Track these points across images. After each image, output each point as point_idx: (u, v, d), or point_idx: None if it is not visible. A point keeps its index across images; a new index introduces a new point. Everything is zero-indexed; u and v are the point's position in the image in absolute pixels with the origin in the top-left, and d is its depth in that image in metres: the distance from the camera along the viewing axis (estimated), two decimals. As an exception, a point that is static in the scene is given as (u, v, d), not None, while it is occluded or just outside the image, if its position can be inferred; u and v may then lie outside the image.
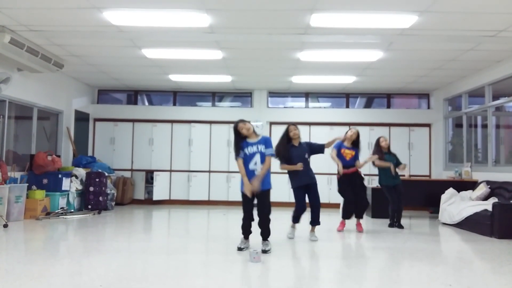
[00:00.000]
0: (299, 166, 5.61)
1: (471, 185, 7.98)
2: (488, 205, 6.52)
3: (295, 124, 5.87)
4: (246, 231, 4.97)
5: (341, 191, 6.60)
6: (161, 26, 5.93)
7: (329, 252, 5.11)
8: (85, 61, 7.92)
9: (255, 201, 4.91)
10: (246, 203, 4.90)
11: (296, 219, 5.87)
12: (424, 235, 6.60)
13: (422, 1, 4.99)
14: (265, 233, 4.89)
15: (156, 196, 10.00)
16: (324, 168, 9.81)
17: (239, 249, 4.85)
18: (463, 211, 6.91)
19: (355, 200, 6.42)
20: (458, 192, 7.75)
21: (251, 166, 4.81)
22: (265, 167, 4.81)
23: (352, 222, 6.73)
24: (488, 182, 7.43)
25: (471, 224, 6.67)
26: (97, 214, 8.10)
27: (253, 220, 4.95)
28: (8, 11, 5.45)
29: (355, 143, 6.53)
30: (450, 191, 7.73)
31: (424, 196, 8.49)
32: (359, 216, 6.60)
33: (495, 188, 7.18)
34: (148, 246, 5.35)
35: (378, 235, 6.26)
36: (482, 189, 7.31)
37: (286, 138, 5.73)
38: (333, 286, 3.62)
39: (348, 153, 6.47)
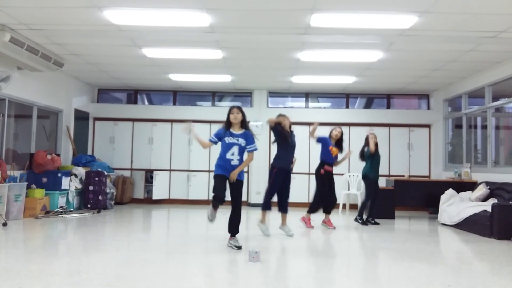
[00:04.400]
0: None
1: (471, 186, 7.98)
2: (487, 206, 6.52)
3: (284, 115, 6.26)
4: (217, 207, 5.02)
5: (320, 186, 6.78)
6: (161, 25, 5.92)
7: (327, 251, 5.11)
8: (85, 60, 7.92)
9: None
10: (219, 186, 4.88)
11: (269, 205, 6.02)
12: (424, 235, 6.61)
13: (423, 1, 4.98)
14: (234, 228, 4.99)
15: (155, 196, 10.00)
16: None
17: (210, 220, 5.09)
18: (462, 212, 6.91)
19: (329, 197, 6.74)
20: (458, 192, 7.76)
21: (228, 155, 4.91)
22: (248, 161, 5.00)
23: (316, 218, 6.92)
24: (487, 183, 7.43)
25: (471, 225, 6.67)
26: (96, 213, 8.10)
27: (223, 202, 4.91)
28: (8, 9, 5.44)
29: (339, 143, 6.93)
30: (450, 191, 7.73)
31: (423, 197, 8.49)
32: (329, 213, 6.87)
33: (495, 189, 7.18)
34: (147, 245, 5.35)
35: (378, 236, 6.27)
36: (482, 190, 7.32)
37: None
38: (332, 286, 3.62)
39: (335, 151, 6.84)
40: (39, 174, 7.69)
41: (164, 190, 10.20)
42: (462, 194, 7.72)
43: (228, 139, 4.93)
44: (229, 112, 5.00)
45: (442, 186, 8.09)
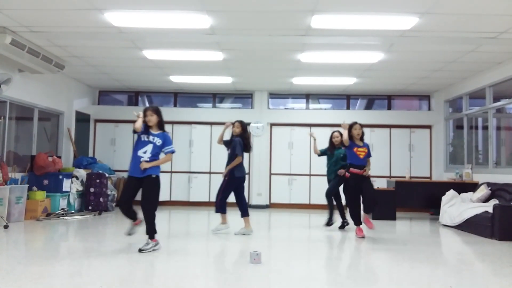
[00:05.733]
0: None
1: (472, 186, 7.97)
2: (488, 206, 6.51)
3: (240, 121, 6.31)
4: (129, 215, 5.04)
5: (348, 191, 6.23)
6: (161, 27, 5.93)
7: (329, 253, 5.11)
8: (86, 62, 7.93)
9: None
10: (127, 187, 4.94)
11: (225, 208, 6.14)
12: (425, 236, 6.59)
13: (423, 2, 4.99)
14: (149, 229, 4.86)
15: (156, 197, 9.97)
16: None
17: (129, 234, 5.11)
18: (463, 213, 6.90)
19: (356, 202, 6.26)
20: (459, 193, 7.75)
21: (140, 153, 4.87)
22: (164, 161, 4.96)
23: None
24: (488, 184, 7.42)
25: (472, 226, 6.66)
26: (97, 215, 8.09)
27: (130, 205, 4.96)
28: (9, 12, 5.46)
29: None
30: (451, 192, 7.72)
31: (424, 198, 8.48)
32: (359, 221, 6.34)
33: (496, 190, 7.17)
34: (149, 247, 5.33)
35: (379, 237, 6.25)
36: (483, 191, 7.30)
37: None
38: (332, 287, 3.62)
39: (361, 152, 6.05)
40: (40, 176, 7.70)
41: (165, 191, 10.18)
42: (464, 195, 7.71)
43: (143, 137, 4.92)
44: (144, 115, 4.96)
45: (443, 187, 8.08)
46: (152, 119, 4.93)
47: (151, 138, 4.91)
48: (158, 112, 5.01)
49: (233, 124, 6.32)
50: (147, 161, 4.81)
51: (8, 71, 6.83)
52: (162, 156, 5.00)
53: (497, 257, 4.99)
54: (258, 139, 10.23)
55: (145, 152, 4.86)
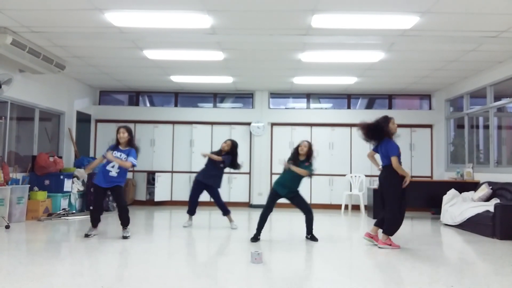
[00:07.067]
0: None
1: (473, 186, 7.97)
2: (490, 206, 6.51)
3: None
4: (95, 220, 5.73)
5: (400, 201, 5.29)
6: (162, 27, 5.93)
7: (330, 253, 5.10)
8: (86, 62, 7.94)
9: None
10: (98, 196, 5.70)
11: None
12: (426, 236, 6.59)
13: (424, 1, 4.98)
14: (125, 221, 5.65)
15: (157, 197, 10.00)
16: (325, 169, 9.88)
17: (86, 235, 5.61)
18: (465, 212, 6.90)
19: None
20: (460, 193, 7.74)
21: (108, 167, 5.55)
22: (121, 162, 5.47)
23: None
24: (490, 183, 7.42)
25: (473, 225, 6.66)
26: (98, 215, 8.11)
27: (101, 213, 5.85)
28: (10, 12, 5.46)
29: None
30: (452, 192, 7.71)
31: (425, 197, 8.47)
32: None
33: (497, 189, 7.16)
34: (150, 246, 5.35)
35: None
36: (484, 190, 7.30)
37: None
38: (334, 287, 3.61)
39: None
40: (41, 176, 7.71)
41: (166, 191, 10.20)
42: (465, 194, 7.70)
43: (113, 153, 5.55)
44: (117, 132, 5.68)
45: (444, 186, 8.07)
46: (124, 136, 5.61)
47: (118, 154, 5.54)
48: (129, 132, 5.71)
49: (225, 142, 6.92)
50: (114, 176, 5.55)
51: (9, 72, 6.83)
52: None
53: (498, 257, 4.99)
54: (258, 139, 10.23)
55: (113, 167, 5.55)
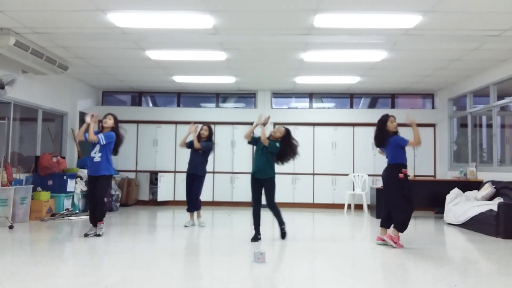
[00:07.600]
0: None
1: (476, 185, 7.95)
2: (493, 205, 6.50)
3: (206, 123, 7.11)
4: (93, 217, 5.74)
5: (403, 196, 5.28)
6: (164, 27, 5.94)
7: (333, 252, 5.10)
8: (89, 63, 7.96)
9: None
10: (90, 187, 5.77)
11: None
12: (429, 235, 6.58)
13: (426, 1, 4.97)
14: (99, 215, 5.71)
15: (160, 197, 10.01)
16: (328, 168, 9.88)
17: (86, 235, 5.62)
18: (468, 211, 6.88)
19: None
20: (463, 192, 7.72)
21: (92, 153, 5.69)
22: (91, 133, 5.58)
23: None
24: (493, 182, 7.39)
25: (477, 224, 6.64)
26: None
27: (95, 205, 5.77)
28: (13, 13, 5.48)
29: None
30: (455, 191, 7.70)
31: (429, 196, 8.46)
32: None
33: (501, 188, 7.14)
34: (153, 247, 5.36)
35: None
36: (488, 189, 7.28)
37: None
38: (337, 286, 3.61)
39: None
40: (44, 176, 7.73)
41: (169, 191, 10.21)
42: (468, 193, 7.68)
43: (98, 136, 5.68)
44: (104, 117, 5.87)
45: (448, 185, 8.05)
46: (109, 122, 5.79)
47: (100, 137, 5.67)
48: (115, 120, 5.89)
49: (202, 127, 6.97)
50: (98, 162, 5.63)
51: (12, 72, 6.86)
52: (110, 153, 5.79)
53: (502, 256, 4.98)
54: (261, 138, 10.22)
55: (95, 152, 5.68)
